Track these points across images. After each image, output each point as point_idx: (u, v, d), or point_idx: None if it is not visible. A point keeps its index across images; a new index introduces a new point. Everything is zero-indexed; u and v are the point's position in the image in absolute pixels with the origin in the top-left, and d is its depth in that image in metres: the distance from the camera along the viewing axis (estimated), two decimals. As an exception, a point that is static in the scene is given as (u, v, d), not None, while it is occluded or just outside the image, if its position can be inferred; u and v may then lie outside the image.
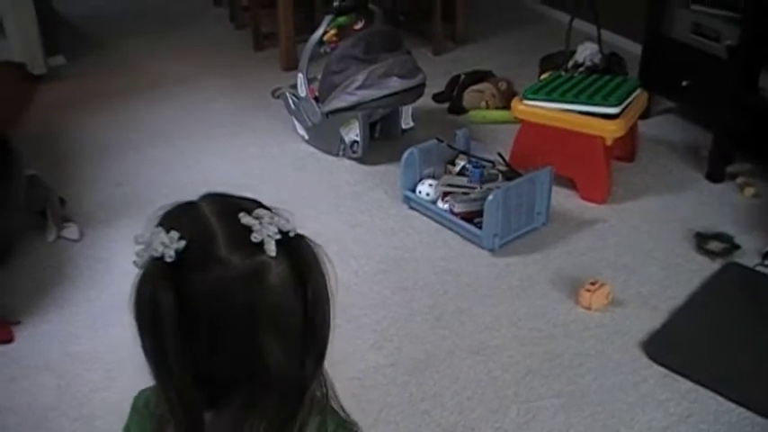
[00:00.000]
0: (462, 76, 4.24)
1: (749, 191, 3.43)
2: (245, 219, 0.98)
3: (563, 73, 3.68)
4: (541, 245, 3.11)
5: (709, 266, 2.99)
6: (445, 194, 3.19)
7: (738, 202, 3.41)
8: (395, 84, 3.53)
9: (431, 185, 3.24)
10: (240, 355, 0.98)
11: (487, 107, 4.06)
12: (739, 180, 3.50)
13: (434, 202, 3.22)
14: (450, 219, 3.14)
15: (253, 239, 0.97)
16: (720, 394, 2.43)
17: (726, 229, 3.17)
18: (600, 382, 2.48)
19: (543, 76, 3.75)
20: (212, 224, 0.99)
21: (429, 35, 4.90)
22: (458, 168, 3.32)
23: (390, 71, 3.54)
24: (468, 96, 4.11)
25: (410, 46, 3.83)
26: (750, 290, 2.88)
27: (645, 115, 3.86)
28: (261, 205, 1.03)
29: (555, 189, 3.24)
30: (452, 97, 4.18)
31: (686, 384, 2.47)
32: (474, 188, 3.15)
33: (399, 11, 5.07)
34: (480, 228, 3.03)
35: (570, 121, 3.29)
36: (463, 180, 3.23)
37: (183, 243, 0.95)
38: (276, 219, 0.99)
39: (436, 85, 4.22)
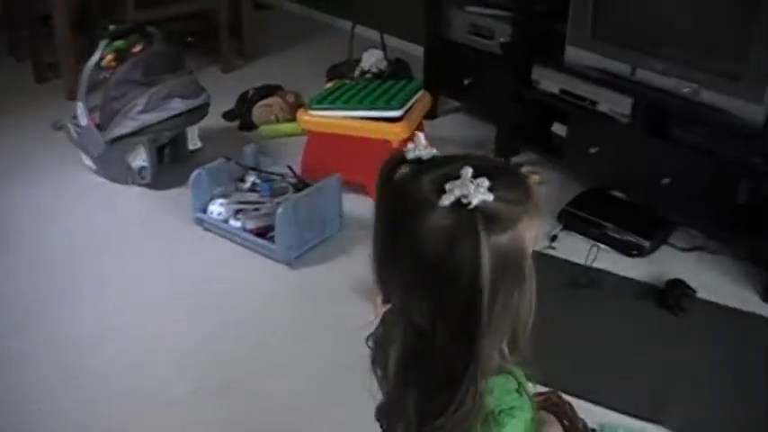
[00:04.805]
0: (251, 92, 4.21)
1: (535, 178, 3.55)
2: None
3: (347, 81, 3.72)
4: (338, 252, 3.12)
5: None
6: (237, 212, 3.15)
7: (525, 190, 3.52)
8: (178, 105, 3.47)
9: (222, 204, 3.19)
10: None
11: (277, 120, 4.05)
12: (524, 169, 3.62)
13: (227, 221, 3.17)
14: (244, 236, 3.11)
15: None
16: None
17: (514, 217, 3.27)
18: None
19: (328, 85, 3.76)
20: None
21: (218, 53, 4.85)
22: (248, 185, 3.29)
23: (172, 92, 3.47)
24: (258, 111, 4.09)
25: (200, 65, 3.79)
26: (542, 273, 2.96)
27: (432, 116, 3.96)
28: None
29: (348, 195, 3.26)
30: (242, 114, 4.14)
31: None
32: (264, 203, 3.13)
33: (187, 31, 4.99)
34: (274, 242, 3.01)
35: (355, 127, 3.32)
36: (254, 196, 3.20)
37: None
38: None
39: (227, 102, 4.19)
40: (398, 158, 1.12)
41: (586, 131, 3.33)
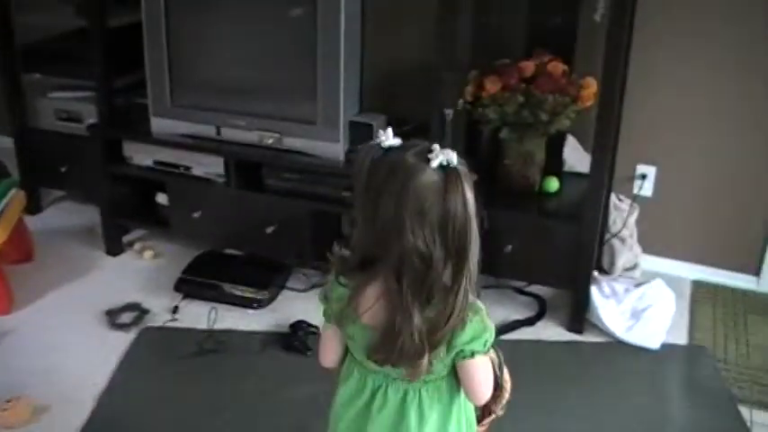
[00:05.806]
0: None
1: (148, 254, 3.57)
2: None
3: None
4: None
5: (127, 339, 3.04)
6: None
7: (142, 267, 3.53)
8: None
9: None
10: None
11: None
12: (137, 246, 3.63)
13: None
14: None
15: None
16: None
17: (135, 297, 3.26)
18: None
19: None
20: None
21: None
22: None
23: None
24: None
25: None
26: (168, 347, 2.99)
27: (35, 210, 3.84)
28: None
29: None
30: None
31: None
32: None
33: None
34: None
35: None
36: None
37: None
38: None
39: None
40: (377, 147, 1.51)
41: (187, 197, 3.38)
